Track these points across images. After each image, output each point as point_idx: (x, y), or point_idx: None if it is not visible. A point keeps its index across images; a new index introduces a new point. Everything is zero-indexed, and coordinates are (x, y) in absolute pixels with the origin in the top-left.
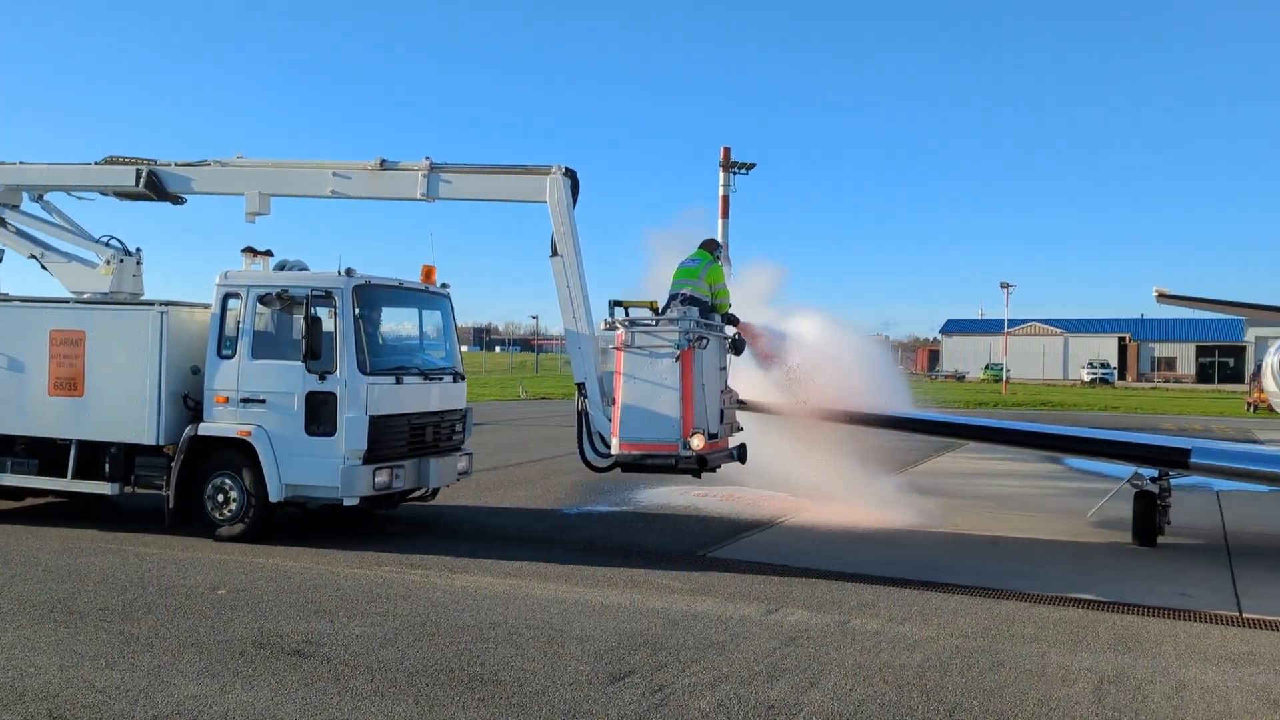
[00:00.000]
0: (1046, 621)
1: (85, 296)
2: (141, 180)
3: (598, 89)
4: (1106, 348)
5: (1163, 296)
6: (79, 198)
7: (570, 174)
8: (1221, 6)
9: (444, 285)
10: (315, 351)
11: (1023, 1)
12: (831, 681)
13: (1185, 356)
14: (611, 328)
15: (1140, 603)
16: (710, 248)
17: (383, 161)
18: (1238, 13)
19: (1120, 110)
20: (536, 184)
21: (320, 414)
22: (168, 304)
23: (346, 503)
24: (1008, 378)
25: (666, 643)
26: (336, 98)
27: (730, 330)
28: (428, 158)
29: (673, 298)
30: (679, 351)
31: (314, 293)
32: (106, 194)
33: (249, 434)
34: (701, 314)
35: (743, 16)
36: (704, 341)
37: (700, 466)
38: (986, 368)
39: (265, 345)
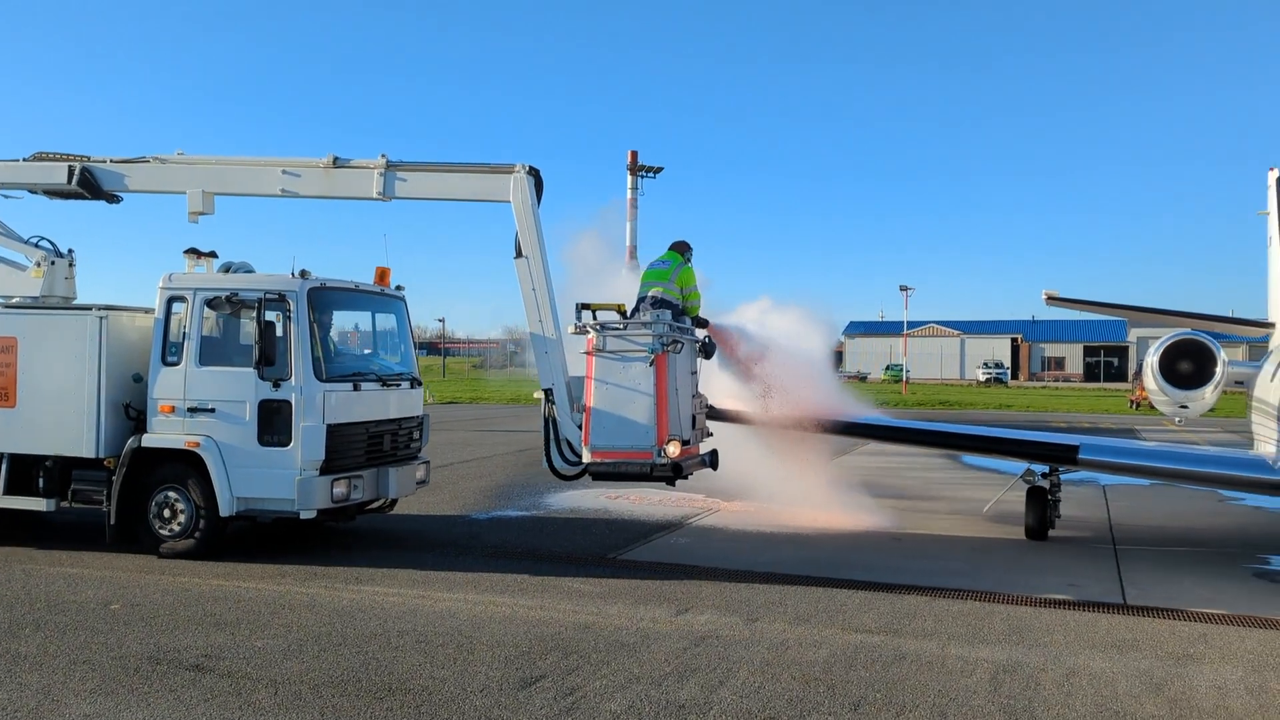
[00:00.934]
0: (945, 615)
1: (14, 301)
2: (74, 178)
3: (504, 92)
4: (1000, 348)
5: (1052, 299)
6: (5, 196)
7: (534, 172)
8: (1111, 19)
9: (398, 287)
10: (269, 357)
11: (922, 11)
12: (741, 680)
13: (1073, 356)
14: (581, 331)
15: (1033, 594)
16: (681, 249)
17: (335, 159)
18: (1126, 28)
19: (1012, 119)
20: (500, 183)
21: (274, 423)
22: (107, 308)
23: (303, 516)
24: (907, 378)
25: (577, 646)
26: (230, 102)
27: (700, 333)
28: (383, 155)
29: (641, 299)
30: (652, 356)
31: (267, 296)
32: (36, 192)
33: (197, 445)
34: (673, 317)
35: (649, 25)
36: (678, 345)
37: (675, 474)
38: (887, 368)
39: (214, 351)
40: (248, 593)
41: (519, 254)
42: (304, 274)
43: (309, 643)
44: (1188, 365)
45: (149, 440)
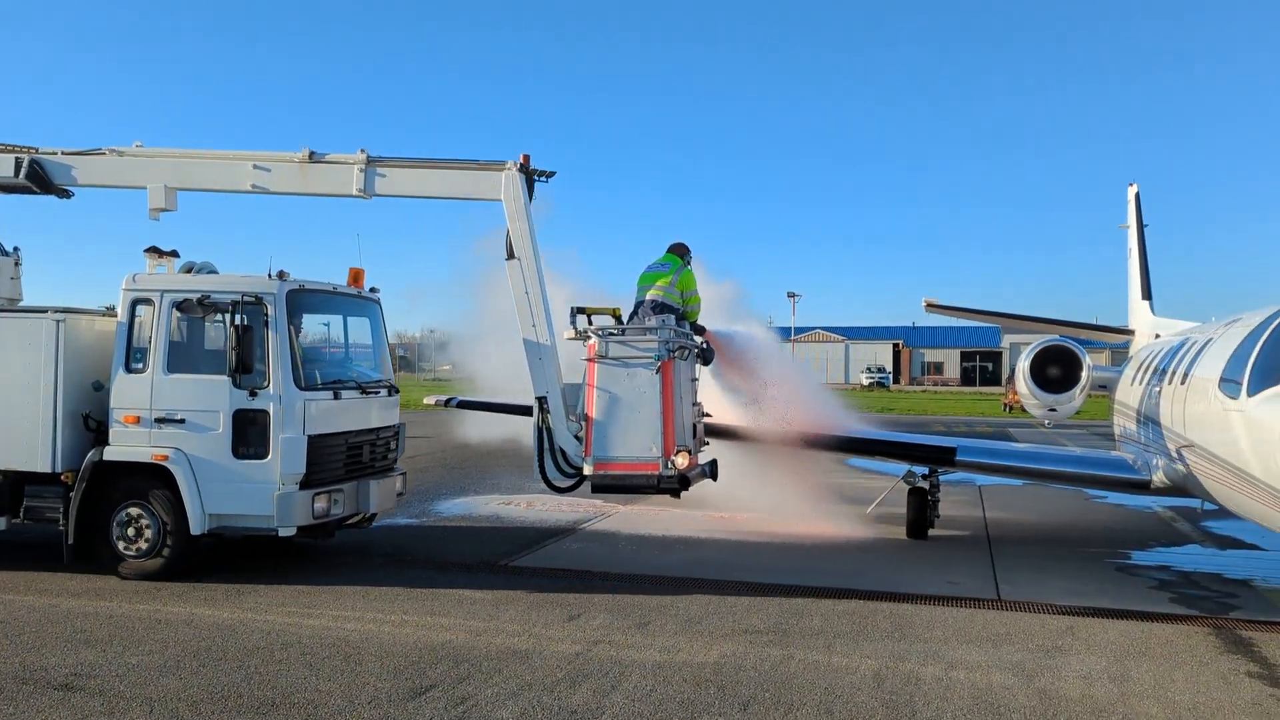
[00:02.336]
0: (832, 614)
1: None
2: (22, 170)
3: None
4: (883, 353)
5: (931, 306)
6: None
7: (525, 169)
8: (985, 38)
9: (373, 290)
10: (246, 364)
11: (808, 26)
12: (633, 683)
13: (951, 361)
14: (582, 336)
15: (914, 592)
16: (680, 251)
17: (311, 154)
18: (1003, 47)
19: (893, 134)
20: (490, 180)
21: (250, 435)
22: (65, 310)
23: (282, 533)
24: None
25: (468, 654)
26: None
27: (699, 339)
28: (363, 150)
29: (639, 304)
30: (659, 363)
31: (244, 299)
32: None
33: (166, 458)
34: (674, 322)
35: (531, 29)
36: (684, 351)
37: (682, 486)
38: None
39: (183, 358)
40: (120, 609)
41: (510, 255)
42: (282, 275)
43: (187, 658)
44: (1056, 370)
45: (111, 453)
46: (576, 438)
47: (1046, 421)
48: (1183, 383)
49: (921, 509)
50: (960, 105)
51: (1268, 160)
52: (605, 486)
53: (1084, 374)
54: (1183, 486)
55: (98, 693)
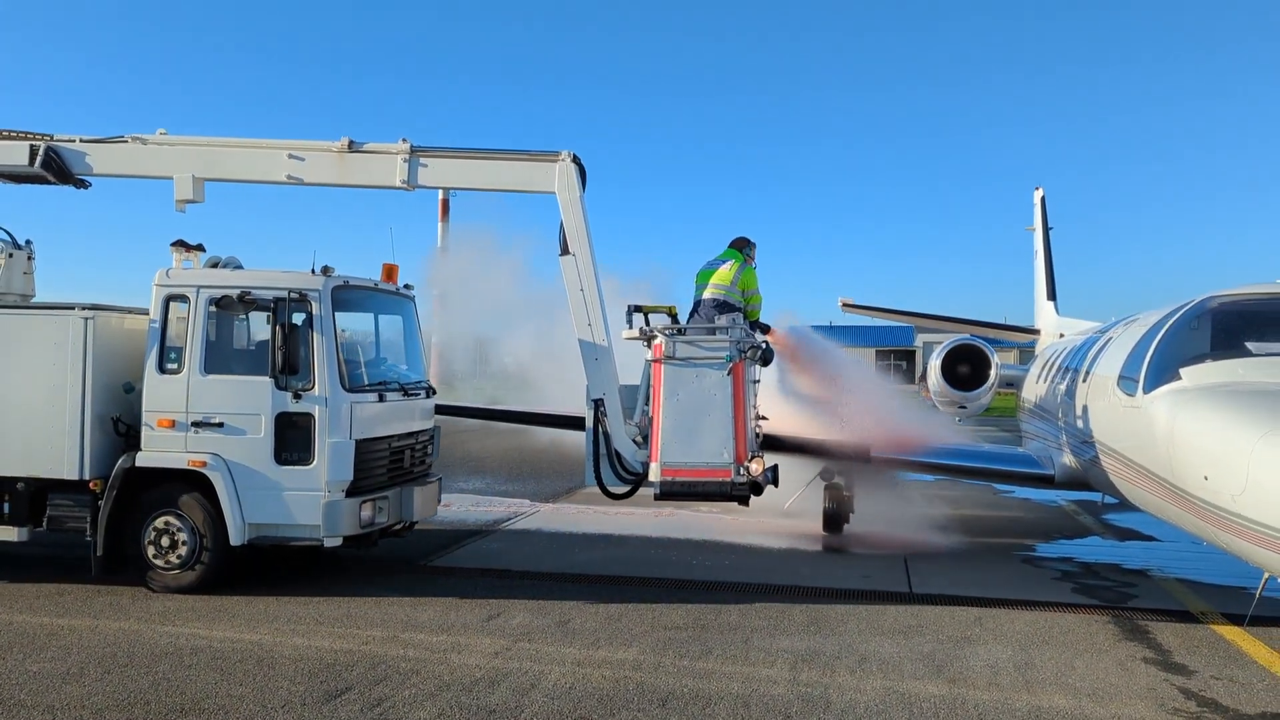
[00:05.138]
0: (749, 609)
1: None
2: (38, 159)
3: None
4: None
5: (847, 305)
6: None
7: (577, 161)
8: (895, 47)
9: (407, 286)
10: (292, 365)
11: (709, 28)
12: (552, 682)
13: (866, 359)
14: (647, 337)
15: (829, 586)
16: (741, 246)
17: (351, 143)
18: (917, 62)
19: (811, 139)
20: (543, 172)
21: (293, 439)
22: (93, 308)
23: (327, 543)
24: None
25: (385, 656)
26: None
27: (760, 338)
28: (405, 139)
29: (698, 303)
30: (730, 364)
31: (289, 295)
32: None
33: (204, 465)
34: None
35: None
36: (755, 351)
37: (753, 493)
38: None
39: (221, 357)
40: (20, 617)
41: (565, 251)
42: (326, 271)
43: (91, 665)
44: (966, 368)
45: (144, 459)
46: (635, 442)
47: (957, 418)
48: (1084, 380)
49: (837, 505)
50: (876, 108)
51: (1168, 166)
52: (673, 493)
53: (992, 372)
54: (1085, 480)
55: None
